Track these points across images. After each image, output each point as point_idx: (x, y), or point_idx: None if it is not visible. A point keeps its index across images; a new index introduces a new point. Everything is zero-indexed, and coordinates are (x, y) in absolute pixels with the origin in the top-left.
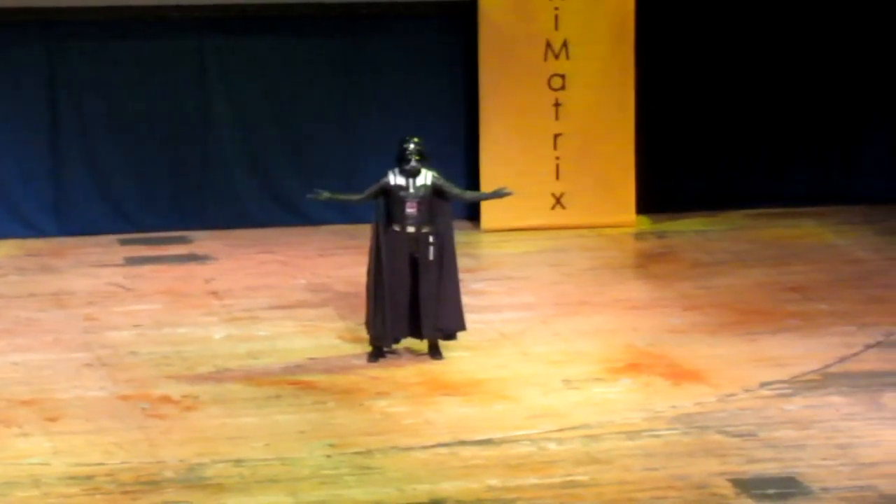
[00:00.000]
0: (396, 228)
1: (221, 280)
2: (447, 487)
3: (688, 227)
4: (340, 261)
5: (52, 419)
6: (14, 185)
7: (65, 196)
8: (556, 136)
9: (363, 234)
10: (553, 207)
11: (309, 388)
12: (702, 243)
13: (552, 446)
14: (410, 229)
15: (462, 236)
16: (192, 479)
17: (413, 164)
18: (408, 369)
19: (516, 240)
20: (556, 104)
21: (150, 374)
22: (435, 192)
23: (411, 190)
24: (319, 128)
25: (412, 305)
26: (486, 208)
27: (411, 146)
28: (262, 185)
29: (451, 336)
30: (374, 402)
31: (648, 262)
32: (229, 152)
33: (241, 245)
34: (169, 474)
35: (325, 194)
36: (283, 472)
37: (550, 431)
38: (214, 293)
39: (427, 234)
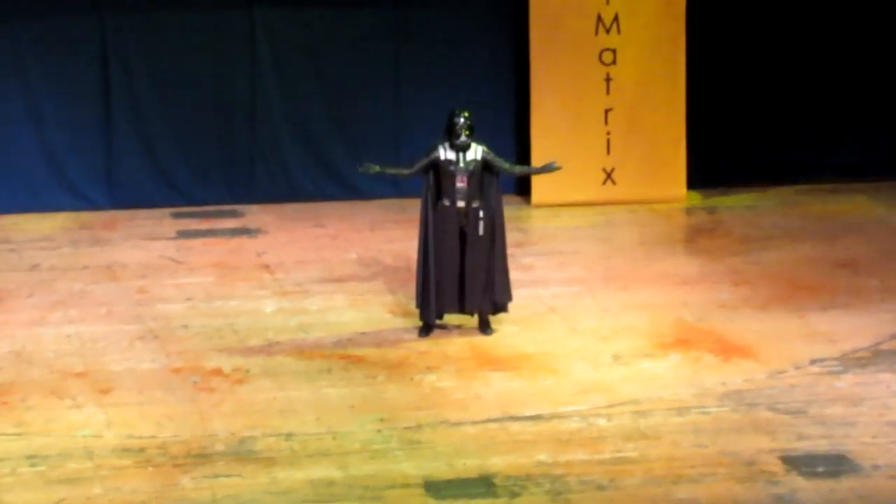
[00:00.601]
0: (446, 203)
1: (272, 253)
2: (497, 462)
3: (738, 202)
4: (391, 234)
5: (105, 391)
6: (66, 158)
7: (117, 168)
8: (606, 111)
9: (413, 208)
10: (603, 182)
11: (359, 361)
12: (752, 218)
13: (601, 422)
14: (460, 203)
15: (512, 211)
16: (243, 452)
17: (463, 138)
18: (457, 344)
19: (566, 214)
20: (607, 79)
21: (202, 346)
22: (485, 166)
23: (461, 164)
24: (369, 100)
25: (460, 280)
26: (537, 183)
27: (461, 120)
28: (312, 159)
29: (502, 309)
30: (424, 376)
31: (698, 237)
32: (279, 125)
33: (292, 218)
34: (219, 447)
35: (375, 167)
36: (333, 446)
37: (600, 407)
38: (265, 266)
39: (477, 209)
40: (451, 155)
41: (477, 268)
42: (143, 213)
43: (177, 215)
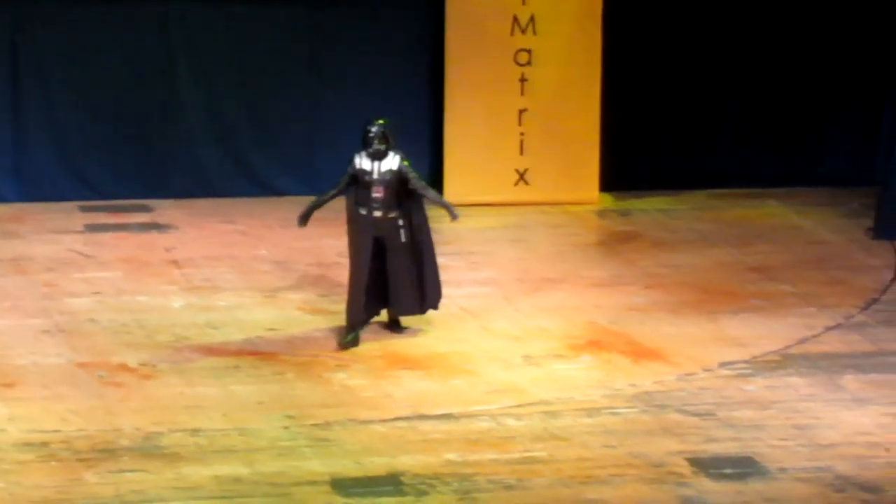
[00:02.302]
0: (363, 212)
1: (182, 249)
2: (406, 461)
3: (651, 206)
4: (303, 232)
5: (9, 385)
6: None
7: (26, 162)
8: (521, 112)
9: (326, 206)
10: (517, 183)
11: (268, 359)
12: (665, 222)
13: (511, 422)
14: (377, 213)
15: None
16: (149, 448)
17: (375, 146)
18: (368, 343)
19: (479, 215)
20: (522, 79)
21: (109, 341)
22: (401, 178)
23: (376, 175)
24: (283, 98)
25: (378, 286)
26: (449, 183)
27: (374, 129)
28: (225, 155)
29: (432, 307)
30: (334, 374)
31: (611, 240)
32: (192, 120)
33: (203, 214)
34: (125, 442)
35: (310, 208)
36: (240, 443)
37: (510, 407)
38: (175, 262)
39: (395, 219)
40: (366, 164)
41: (400, 272)
42: (51, 207)
43: (86, 209)
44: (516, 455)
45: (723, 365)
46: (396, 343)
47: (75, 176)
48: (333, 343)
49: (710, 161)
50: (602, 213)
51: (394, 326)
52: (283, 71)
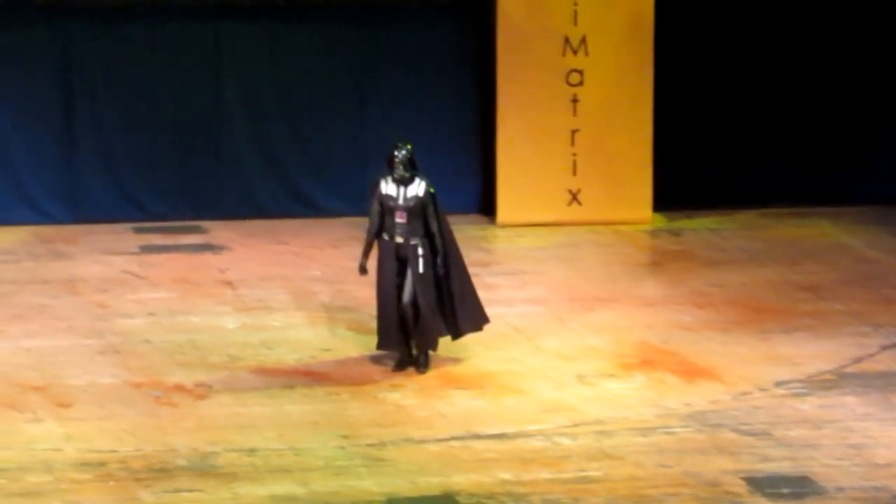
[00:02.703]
0: (386, 237)
1: (235, 270)
2: (459, 480)
3: (702, 225)
4: (353, 252)
5: (65, 405)
6: (28, 172)
7: (78, 183)
8: (573, 132)
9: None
10: (569, 203)
11: (322, 379)
12: (716, 241)
13: (565, 441)
14: (398, 239)
15: (477, 230)
16: (204, 468)
17: (401, 171)
18: None
19: (531, 235)
20: (574, 100)
21: (163, 362)
22: (424, 204)
23: (401, 201)
24: (332, 119)
25: (401, 315)
26: (502, 203)
27: (401, 154)
28: (274, 176)
29: (476, 330)
30: (387, 394)
31: (662, 260)
32: (242, 142)
33: (255, 235)
34: (181, 462)
35: (363, 259)
36: (295, 463)
37: (563, 426)
38: (228, 283)
39: (415, 246)
40: (391, 189)
41: (427, 303)
42: (104, 228)
43: (139, 230)
44: (570, 474)
45: (777, 384)
46: (449, 363)
47: (127, 197)
48: (387, 363)
49: (759, 180)
50: (653, 233)
51: (415, 361)
52: (332, 92)
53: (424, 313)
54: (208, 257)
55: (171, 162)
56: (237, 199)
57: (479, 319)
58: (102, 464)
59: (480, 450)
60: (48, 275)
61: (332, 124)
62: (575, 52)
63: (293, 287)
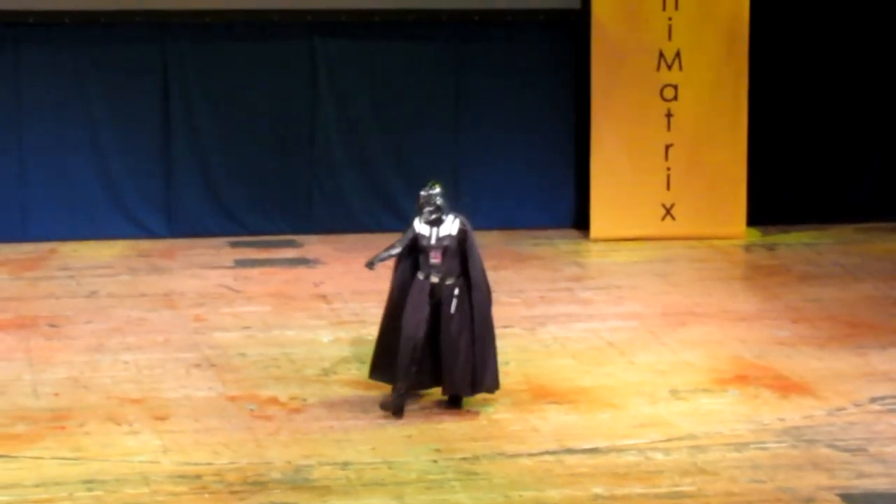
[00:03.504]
0: (420, 277)
1: (330, 284)
2: (553, 495)
3: (797, 240)
4: None
5: (161, 418)
6: (126, 187)
7: (175, 198)
8: (667, 147)
9: None
10: (663, 218)
11: (415, 393)
12: (811, 256)
13: (658, 456)
14: (434, 279)
15: (571, 245)
16: (299, 481)
17: (429, 215)
18: (513, 376)
19: (625, 249)
20: (668, 114)
21: (258, 375)
22: (460, 240)
23: (433, 241)
24: (427, 132)
25: (433, 356)
26: (596, 218)
27: (426, 195)
28: (369, 190)
29: (487, 391)
30: (481, 408)
31: (757, 274)
32: (337, 156)
33: (350, 249)
34: (276, 475)
35: (375, 259)
36: (388, 476)
37: (657, 441)
38: (323, 297)
39: (452, 286)
40: (424, 229)
41: (453, 347)
42: (201, 242)
43: (235, 244)
44: (664, 489)
45: (873, 400)
46: (542, 377)
47: (223, 212)
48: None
49: (856, 194)
50: (748, 248)
51: (452, 403)
52: (427, 106)
53: (457, 355)
54: (303, 271)
55: (268, 176)
56: (332, 214)
57: (494, 382)
58: (198, 476)
59: (573, 464)
60: (146, 288)
61: (427, 139)
62: (669, 67)
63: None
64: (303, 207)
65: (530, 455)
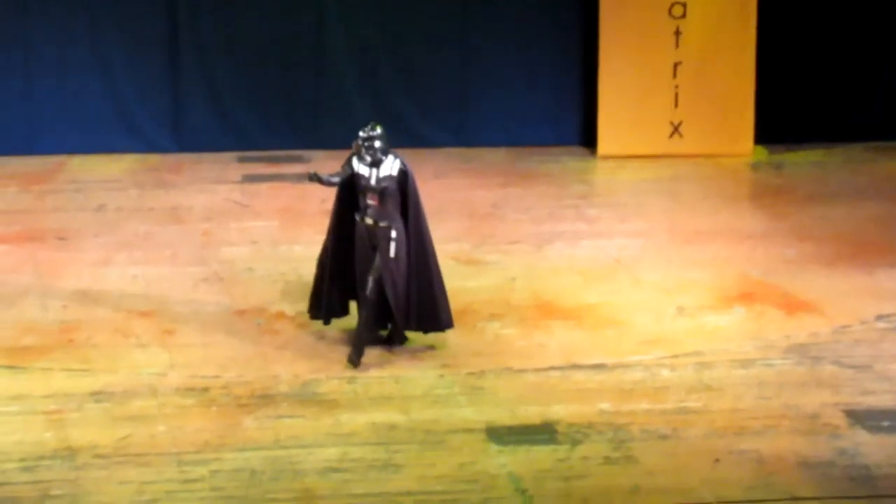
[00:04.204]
0: (357, 218)
1: None
2: (559, 410)
3: (805, 159)
4: (454, 183)
5: (169, 332)
6: (134, 102)
7: (183, 113)
8: (675, 65)
9: (478, 158)
10: (670, 135)
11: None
12: (819, 175)
13: (664, 373)
14: (368, 221)
15: (578, 162)
16: (306, 395)
17: (370, 156)
18: (520, 293)
19: (632, 167)
20: (677, 32)
21: (266, 290)
22: (401, 184)
23: (372, 182)
24: (433, 50)
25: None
26: (603, 135)
27: (365, 138)
28: (376, 106)
29: (439, 330)
30: (487, 324)
31: (764, 193)
32: (345, 72)
33: None
34: (283, 388)
35: (316, 176)
36: (395, 390)
37: (663, 358)
38: (329, 212)
39: (386, 229)
40: (363, 169)
41: (395, 289)
42: (208, 157)
43: (242, 160)
44: (670, 405)
45: (879, 318)
46: (548, 294)
47: (231, 127)
48: (488, 294)
49: (865, 113)
50: (755, 166)
51: (391, 340)
52: (434, 22)
53: (396, 302)
54: (311, 187)
55: (275, 91)
56: (339, 129)
57: (443, 321)
58: (206, 389)
59: (580, 380)
60: (153, 203)
61: (435, 55)
62: None
63: None
64: (310, 123)
65: (536, 371)
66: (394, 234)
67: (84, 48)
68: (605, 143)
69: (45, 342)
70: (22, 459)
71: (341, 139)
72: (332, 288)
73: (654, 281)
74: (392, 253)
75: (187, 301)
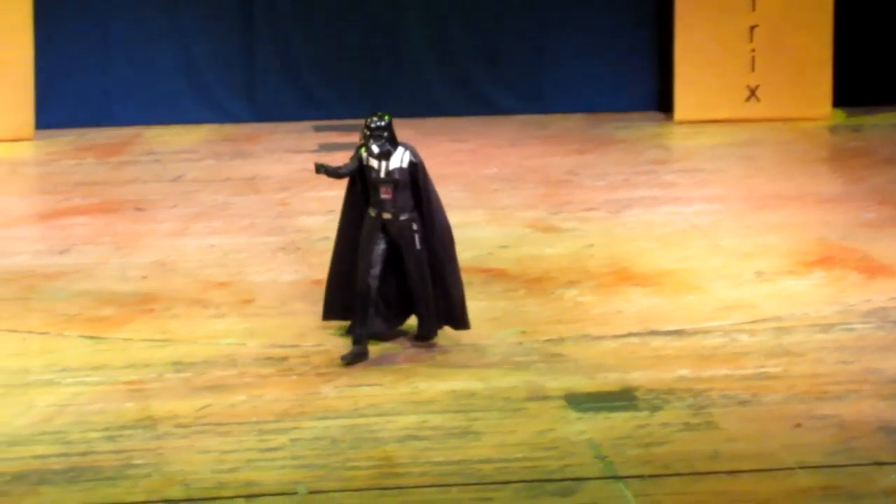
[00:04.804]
0: (372, 213)
1: None
2: (638, 376)
3: (884, 121)
4: (530, 151)
5: (247, 301)
6: (209, 71)
7: (259, 83)
8: (752, 28)
9: (554, 124)
10: (747, 99)
11: (499, 276)
12: None
13: (744, 338)
14: (386, 215)
15: (654, 127)
16: (384, 363)
17: (377, 148)
18: (598, 259)
19: (709, 132)
20: None
21: None
22: (412, 175)
23: (382, 174)
24: (508, 16)
25: (396, 297)
26: (680, 100)
27: (373, 128)
28: (451, 74)
29: (460, 327)
30: (565, 290)
31: (842, 156)
32: (419, 40)
33: (431, 133)
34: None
35: (323, 167)
36: (473, 358)
37: (742, 323)
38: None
39: (409, 221)
40: (373, 162)
41: (421, 283)
42: (284, 127)
43: (318, 129)
44: (749, 371)
45: None
46: (626, 260)
47: (307, 96)
48: (564, 260)
49: None
50: (833, 129)
51: (421, 338)
52: None
53: (425, 295)
54: None
55: (350, 60)
56: (414, 98)
57: (460, 320)
58: (284, 358)
59: (658, 346)
60: (230, 173)
61: (509, 22)
62: None
63: (471, 185)
64: (385, 91)
65: (615, 337)
66: (415, 226)
67: (160, 19)
68: (681, 108)
69: (124, 313)
70: (105, 429)
71: (416, 107)
72: (349, 287)
73: (731, 246)
74: (418, 245)
75: (265, 270)
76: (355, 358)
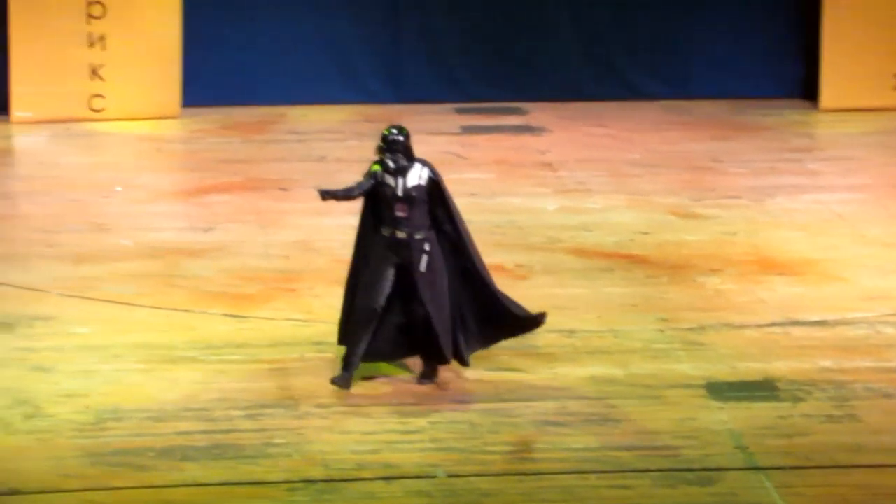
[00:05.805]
0: (385, 233)
1: (554, 152)
2: (779, 367)
3: None
4: (673, 136)
5: None
6: (355, 52)
7: (402, 64)
8: None
9: (697, 110)
10: (895, 88)
11: (641, 262)
12: None
13: (889, 330)
14: (401, 235)
15: (799, 115)
16: (524, 348)
17: (393, 163)
18: (741, 247)
19: (855, 119)
20: None
21: (484, 241)
22: (430, 193)
23: (399, 192)
24: (651, 1)
25: (401, 323)
26: (826, 88)
27: (390, 142)
28: (594, 58)
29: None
30: (706, 278)
31: None
32: (563, 23)
33: (574, 118)
34: (501, 342)
35: (329, 192)
36: (614, 345)
37: (887, 315)
38: (548, 164)
39: (422, 241)
40: (388, 178)
41: (438, 309)
42: (427, 108)
43: (460, 111)
44: (894, 363)
45: None
46: (769, 248)
47: (450, 78)
48: (707, 247)
49: None
50: None
51: (426, 376)
52: None
53: (433, 322)
54: (528, 139)
55: (493, 43)
56: (556, 81)
57: (531, 317)
58: None
59: (801, 337)
60: (373, 154)
61: (653, 6)
62: None
63: (612, 169)
64: (528, 74)
65: (757, 326)
66: (427, 246)
67: None
68: (827, 95)
69: (267, 291)
70: (246, 407)
71: (559, 91)
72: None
73: (877, 236)
74: (423, 267)
75: None
76: (345, 384)
